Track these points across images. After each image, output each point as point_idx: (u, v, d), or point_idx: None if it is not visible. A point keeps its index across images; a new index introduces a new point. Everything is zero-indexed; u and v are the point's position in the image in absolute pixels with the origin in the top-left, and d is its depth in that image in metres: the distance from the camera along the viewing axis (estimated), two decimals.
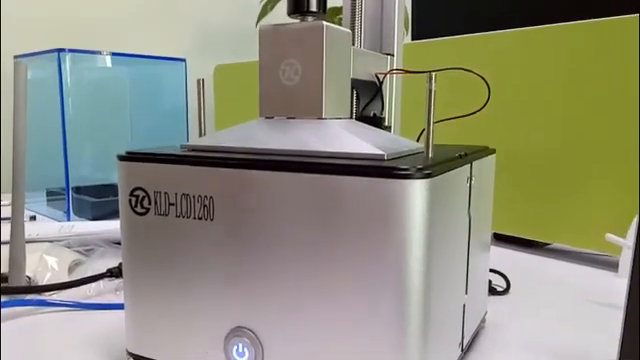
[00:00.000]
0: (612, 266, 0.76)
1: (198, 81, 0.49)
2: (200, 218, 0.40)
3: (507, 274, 0.69)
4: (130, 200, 0.43)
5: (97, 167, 1.29)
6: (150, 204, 0.42)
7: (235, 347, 0.40)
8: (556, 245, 0.88)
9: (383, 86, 0.53)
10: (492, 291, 0.65)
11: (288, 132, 0.42)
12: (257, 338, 0.39)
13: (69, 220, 1.09)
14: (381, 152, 0.38)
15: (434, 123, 0.41)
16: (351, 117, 0.48)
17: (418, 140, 0.56)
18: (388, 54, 0.55)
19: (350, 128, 0.43)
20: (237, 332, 0.40)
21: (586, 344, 0.52)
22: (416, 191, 0.34)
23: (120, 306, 0.59)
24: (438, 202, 0.36)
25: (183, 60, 1.22)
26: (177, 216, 0.41)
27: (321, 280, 0.37)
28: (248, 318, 0.40)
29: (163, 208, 0.42)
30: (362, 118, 0.53)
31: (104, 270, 0.66)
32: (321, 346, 0.37)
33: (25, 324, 0.57)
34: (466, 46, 0.92)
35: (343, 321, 0.36)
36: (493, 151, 0.53)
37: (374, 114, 0.54)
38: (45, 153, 1.15)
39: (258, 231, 0.38)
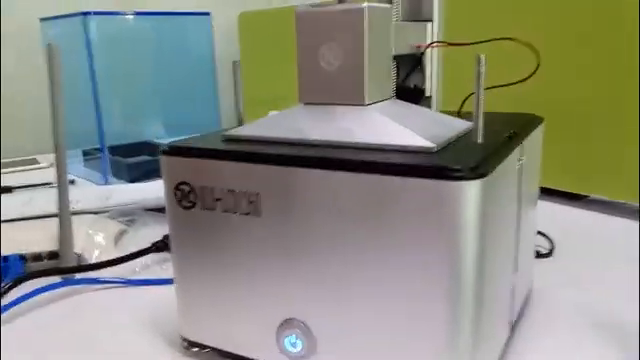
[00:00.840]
0: None
1: (234, 63, 0.48)
2: (247, 214, 0.40)
3: (549, 232, 0.69)
4: (175, 194, 0.43)
5: (129, 121, 1.29)
6: (196, 199, 0.42)
7: (288, 338, 0.41)
8: (596, 196, 0.86)
9: (423, 57, 0.51)
10: (536, 254, 0.64)
11: (331, 121, 0.41)
12: (309, 329, 0.40)
13: (106, 182, 1.11)
14: (430, 144, 0.37)
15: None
16: (392, 92, 0.46)
17: (460, 109, 0.55)
18: (428, 20, 0.53)
19: (394, 113, 0.41)
20: (289, 324, 0.41)
21: (626, 313, 0.52)
22: (470, 192, 0.33)
23: (169, 281, 0.60)
24: (491, 197, 0.35)
25: (207, 14, 1.19)
26: (224, 211, 0.41)
27: (370, 276, 0.37)
28: (299, 310, 0.40)
29: (209, 203, 0.42)
30: (402, 89, 0.52)
31: (148, 240, 0.67)
32: (372, 338, 0.38)
33: (78, 303, 0.59)
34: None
35: (394, 315, 0.37)
36: (541, 120, 0.51)
37: (415, 85, 0.52)
38: (76, 112, 1.15)
39: (306, 228, 0.38)
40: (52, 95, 0.61)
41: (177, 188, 0.43)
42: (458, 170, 0.33)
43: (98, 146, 1.13)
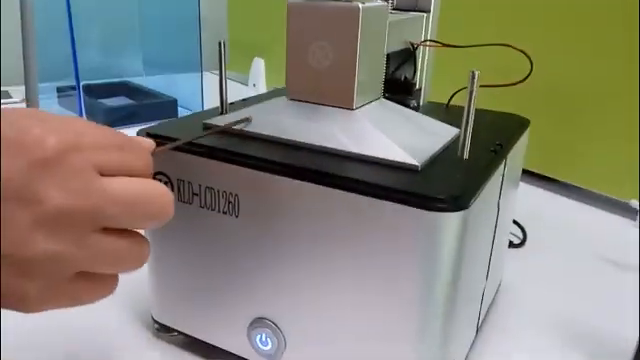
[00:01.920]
0: (629, 212, 0.76)
1: (219, 43, 0.46)
2: (225, 213, 0.39)
3: (522, 216, 0.69)
4: None
5: (106, 56, 1.25)
6: (172, 190, 0.41)
7: (259, 336, 0.41)
8: (570, 182, 0.87)
9: (416, 50, 0.50)
10: (509, 244, 0.65)
11: (317, 123, 0.40)
12: (279, 330, 0.40)
13: None
14: (414, 162, 0.36)
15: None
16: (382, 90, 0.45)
17: (448, 103, 0.54)
18: (423, 11, 0.51)
19: (381, 120, 0.40)
20: (260, 322, 0.41)
21: (600, 317, 0.54)
22: (451, 221, 0.33)
23: None
24: (471, 225, 0.35)
25: None
26: (201, 207, 0.40)
27: (341, 286, 0.37)
28: (270, 311, 0.40)
29: (187, 196, 0.41)
30: (393, 81, 0.50)
31: None
32: (340, 344, 0.38)
33: None
34: None
35: (363, 326, 0.37)
36: (527, 123, 0.51)
37: (405, 77, 0.51)
38: (51, 44, 1.10)
39: (282, 234, 0.38)
40: (23, 26, 0.57)
41: (154, 177, 0.42)
42: (441, 200, 0.32)
43: (73, 84, 1.09)
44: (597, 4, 0.75)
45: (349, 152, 0.38)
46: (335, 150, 0.38)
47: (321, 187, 0.35)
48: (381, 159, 0.37)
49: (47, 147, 0.25)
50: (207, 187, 0.40)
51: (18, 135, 0.25)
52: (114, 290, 0.30)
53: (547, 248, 0.67)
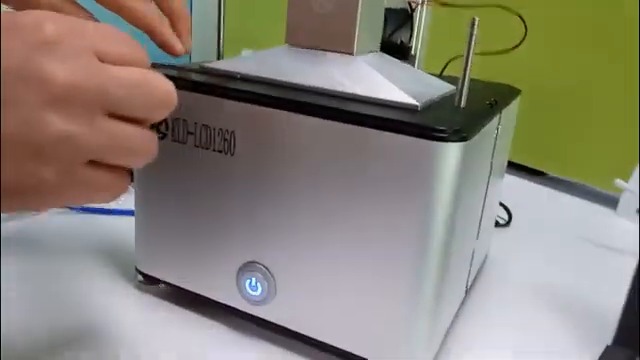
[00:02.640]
0: (611, 203, 0.77)
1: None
2: (220, 151, 0.39)
3: (509, 204, 0.70)
4: None
5: None
6: (167, 130, 0.41)
7: (248, 281, 0.41)
8: (557, 175, 0.89)
9: (414, 13, 0.50)
10: (494, 224, 0.65)
11: (316, 67, 0.40)
12: (270, 274, 0.40)
13: None
14: (414, 102, 0.36)
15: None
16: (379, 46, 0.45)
17: (442, 73, 0.54)
18: None
19: (381, 66, 0.40)
20: (251, 267, 0.40)
21: (579, 284, 0.54)
22: (451, 153, 0.33)
23: (125, 212, 0.59)
24: (469, 161, 0.35)
25: None
26: (196, 146, 0.40)
27: (340, 227, 0.36)
28: (262, 254, 0.40)
29: (181, 135, 0.40)
30: (388, 45, 0.51)
31: None
32: (335, 289, 0.38)
33: (27, 225, 0.57)
34: None
35: (359, 268, 0.37)
36: (518, 92, 0.52)
37: (401, 41, 0.51)
38: None
39: (280, 172, 0.37)
40: None
41: None
42: (442, 131, 0.32)
43: None
44: (591, 5, 0.77)
45: (349, 93, 0.38)
46: (335, 92, 0.38)
47: (321, 120, 0.35)
48: (381, 99, 0.37)
49: (46, 29, 0.25)
50: (203, 125, 0.39)
51: (15, 19, 0.25)
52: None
53: (531, 229, 0.68)
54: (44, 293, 0.46)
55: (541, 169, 0.88)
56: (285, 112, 0.36)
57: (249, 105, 0.37)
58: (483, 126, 0.37)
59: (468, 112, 0.38)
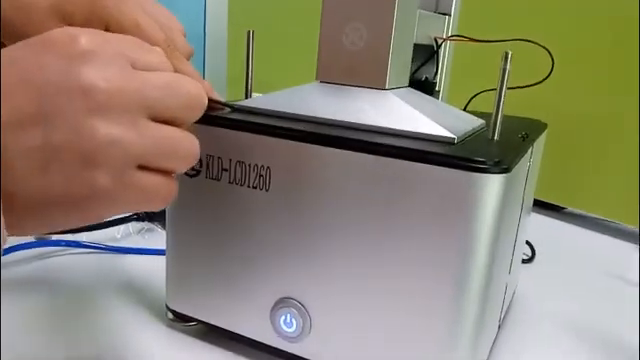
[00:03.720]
0: (632, 237, 0.77)
1: (248, 33, 0.47)
2: (255, 187, 0.39)
3: (531, 239, 0.70)
4: None
5: None
6: (201, 167, 0.41)
7: (283, 317, 0.40)
8: (574, 210, 0.88)
9: (439, 50, 0.51)
10: None
11: (349, 102, 0.40)
12: (305, 310, 0.39)
13: None
14: (451, 135, 0.36)
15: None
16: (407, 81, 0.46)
17: (466, 107, 0.55)
18: (445, 14, 0.52)
19: (413, 100, 0.41)
20: (285, 303, 0.40)
21: (607, 321, 0.53)
22: (493, 185, 0.33)
23: (154, 251, 0.59)
24: (509, 194, 0.35)
25: None
26: (230, 182, 0.40)
27: (376, 263, 0.36)
28: (297, 290, 0.39)
29: (215, 172, 0.40)
30: (413, 82, 0.51)
31: None
32: (370, 326, 0.37)
33: (52, 265, 0.56)
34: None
35: (395, 306, 0.36)
36: (545, 126, 0.52)
37: (426, 78, 0.52)
38: None
39: (315, 207, 0.37)
40: None
41: None
42: (484, 162, 0.32)
43: None
44: (606, 38, 0.78)
45: (384, 127, 0.38)
46: (369, 126, 0.38)
47: (359, 154, 0.35)
48: (418, 133, 0.37)
49: (81, 41, 0.26)
50: (238, 161, 0.39)
51: (46, 37, 0.26)
52: (175, 191, 0.30)
53: (555, 264, 0.67)
54: (73, 329, 0.45)
55: (561, 204, 0.87)
56: (319, 146, 0.36)
57: (285, 141, 0.37)
58: (520, 158, 0.37)
59: (503, 145, 0.38)
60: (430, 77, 0.52)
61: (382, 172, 0.35)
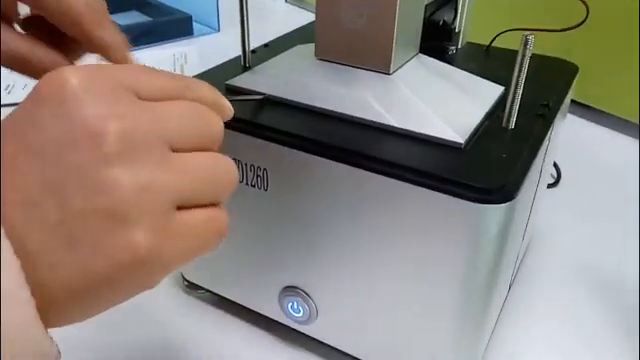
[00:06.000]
0: None
1: None
2: (254, 186, 0.38)
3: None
4: None
5: None
6: None
7: (290, 304, 0.41)
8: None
9: None
10: None
11: (349, 89, 0.37)
12: (311, 299, 0.40)
13: None
14: (458, 139, 0.33)
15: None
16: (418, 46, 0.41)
17: (489, 46, 0.50)
18: None
19: (420, 85, 0.37)
20: (291, 291, 0.40)
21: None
22: (496, 214, 0.30)
23: None
24: (515, 213, 0.33)
25: None
26: None
27: (374, 265, 0.35)
28: (300, 279, 0.40)
29: None
30: (428, 25, 0.46)
31: None
32: (373, 307, 0.38)
33: None
34: None
35: (397, 307, 0.36)
36: (576, 70, 0.47)
37: (444, 21, 0.47)
38: None
39: (313, 211, 0.36)
40: None
41: None
42: (485, 191, 0.30)
43: None
44: None
45: (385, 125, 0.35)
46: (370, 122, 0.35)
47: (353, 168, 0.33)
48: (421, 134, 0.34)
49: (71, 84, 0.22)
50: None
51: (38, 90, 0.22)
52: (226, 224, 0.26)
53: (582, 189, 0.65)
54: None
55: (589, 103, 0.81)
56: (315, 157, 0.34)
57: (280, 147, 0.35)
58: (534, 157, 0.34)
59: (517, 138, 0.35)
60: (448, 20, 0.46)
61: (377, 188, 0.33)
